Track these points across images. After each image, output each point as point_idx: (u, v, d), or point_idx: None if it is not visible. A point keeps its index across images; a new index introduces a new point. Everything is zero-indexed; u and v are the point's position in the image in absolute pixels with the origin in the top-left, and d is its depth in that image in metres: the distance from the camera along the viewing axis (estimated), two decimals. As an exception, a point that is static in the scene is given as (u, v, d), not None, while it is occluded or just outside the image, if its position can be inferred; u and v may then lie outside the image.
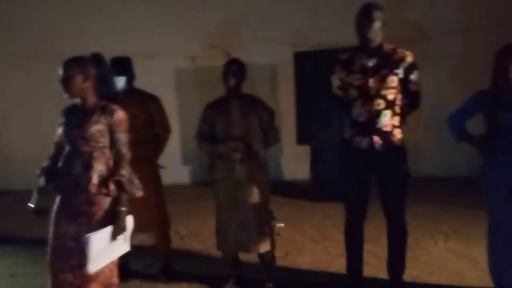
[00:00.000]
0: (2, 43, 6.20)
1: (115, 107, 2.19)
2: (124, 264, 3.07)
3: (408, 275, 2.77)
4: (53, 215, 2.19)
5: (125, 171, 2.14)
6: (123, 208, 2.14)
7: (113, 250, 2.15)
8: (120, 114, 2.17)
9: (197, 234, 4.13)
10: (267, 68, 5.86)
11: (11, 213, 5.12)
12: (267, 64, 5.83)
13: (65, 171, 2.16)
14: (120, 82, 2.97)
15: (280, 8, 5.86)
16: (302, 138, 4.98)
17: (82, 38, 6.07)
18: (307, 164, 5.30)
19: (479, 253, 3.29)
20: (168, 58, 6.02)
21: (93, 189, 2.10)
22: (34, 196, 2.20)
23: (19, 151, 6.32)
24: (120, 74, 2.94)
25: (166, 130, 3.14)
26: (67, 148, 2.21)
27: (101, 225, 2.11)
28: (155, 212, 3.05)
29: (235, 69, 2.75)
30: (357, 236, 2.73)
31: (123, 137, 2.17)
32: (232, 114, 2.75)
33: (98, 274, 2.13)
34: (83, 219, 2.11)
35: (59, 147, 2.25)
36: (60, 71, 2.13)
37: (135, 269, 3.23)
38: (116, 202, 2.13)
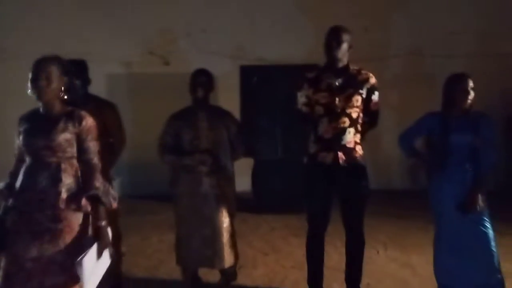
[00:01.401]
0: None
1: (83, 113, 2.03)
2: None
3: (361, 284, 2.90)
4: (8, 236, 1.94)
5: (99, 183, 1.98)
6: (104, 222, 1.98)
7: (100, 266, 2.02)
8: (89, 121, 2.02)
9: (139, 251, 3.91)
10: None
11: None
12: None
13: (28, 185, 1.93)
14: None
15: (222, 21, 5.89)
16: (246, 151, 5.01)
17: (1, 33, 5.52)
18: (247, 177, 5.34)
19: (417, 260, 3.60)
20: (101, 62, 5.67)
21: (62, 204, 1.91)
22: None
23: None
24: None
25: (121, 140, 2.96)
26: (28, 159, 1.98)
27: (69, 243, 1.92)
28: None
29: (203, 80, 2.71)
30: (319, 248, 2.81)
31: (93, 145, 2.02)
32: (200, 126, 2.69)
33: None
34: (47, 237, 1.90)
35: (20, 160, 2.01)
36: (35, 69, 1.92)
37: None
38: (94, 217, 1.97)
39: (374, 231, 4.31)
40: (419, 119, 2.80)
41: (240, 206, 4.97)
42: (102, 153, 2.81)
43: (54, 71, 1.94)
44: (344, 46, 2.58)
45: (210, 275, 3.05)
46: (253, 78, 4.96)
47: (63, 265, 1.90)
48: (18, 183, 1.96)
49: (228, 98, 5.47)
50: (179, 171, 2.73)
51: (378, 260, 3.67)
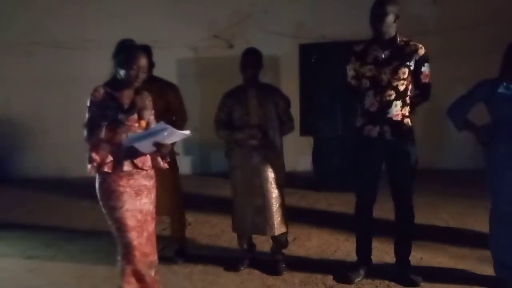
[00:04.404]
0: (1, 30, 6.21)
1: None
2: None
3: (412, 257, 2.91)
4: (114, 195, 2.28)
5: None
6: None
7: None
8: None
9: (204, 221, 4.24)
10: (270, 59, 5.94)
11: (17, 201, 5.21)
12: (270, 55, 5.93)
13: (133, 153, 2.27)
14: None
15: (283, 0, 5.97)
16: (305, 129, 5.10)
17: (82, 25, 6.14)
18: (307, 156, 5.44)
19: (477, 237, 3.48)
20: (170, 48, 6.08)
21: (160, 163, 2.40)
22: None
23: (22, 139, 6.36)
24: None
25: (182, 118, 3.23)
26: (121, 131, 2.26)
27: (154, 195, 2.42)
28: (172, 196, 3.16)
29: (252, 58, 2.86)
30: (366, 219, 2.87)
31: None
32: (250, 102, 2.86)
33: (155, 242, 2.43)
34: (145, 192, 2.34)
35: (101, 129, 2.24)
36: (143, 59, 2.28)
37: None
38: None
39: (436, 209, 4.25)
40: (473, 88, 2.69)
41: (301, 184, 5.20)
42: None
43: None
44: (389, 18, 2.56)
45: (265, 244, 3.26)
46: (312, 56, 4.99)
47: (153, 214, 2.43)
48: (115, 151, 2.26)
49: (289, 77, 5.60)
50: (233, 145, 2.93)
51: (436, 236, 3.60)
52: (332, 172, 5.00)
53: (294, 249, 3.36)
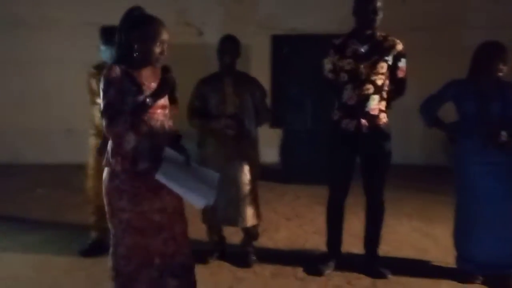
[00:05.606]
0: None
1: None
2: (100, 240, 3.05)
3: (380, 251, 2.96)
4: (125, 196, 1.96)
5: None
6: None
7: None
8: None
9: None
10: (242, 48, 5.89)
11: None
12: (242, 45, 5.88)
13: (156, 146, 1.97)
14: (108, 52, 2.89)
15: (255, -10, 5.90)
16: (274, 121, 5.07)
17: (44, 6, 5.78)
18: (275, 148, 5.43)
19: (440, 231, 3.61)
20: (138, 33, 5.84)
21: None
22: None
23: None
24: (110, 44, 2.85)
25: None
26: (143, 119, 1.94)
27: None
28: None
29: (229, 46, 2.78)
30: (338, 213, 2.89)
31: None
32: (226, 91, 2.78)
33: (187, 242, 2.13)
34: (165, 191, 1.99)
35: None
36: (166, 33, 1.96)
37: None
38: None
39: (399, 203, 4.35)
40: (443, 86, 2.77)
41: (268, 176, 5.17)
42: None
43: None
44: (381, 14, 2.57)
45: (234, 236, 3.21)
46: (284, 48, 4.96)
47: (183, 213, 2.11)
48: (134, 145, 1.94)
49: (260, 68, 5.53)
50: (207, 134, 2.85)
51: (401, 230, 3.71)
52: (300, 165, 5.02)
53: (263, 241, 3.33)
